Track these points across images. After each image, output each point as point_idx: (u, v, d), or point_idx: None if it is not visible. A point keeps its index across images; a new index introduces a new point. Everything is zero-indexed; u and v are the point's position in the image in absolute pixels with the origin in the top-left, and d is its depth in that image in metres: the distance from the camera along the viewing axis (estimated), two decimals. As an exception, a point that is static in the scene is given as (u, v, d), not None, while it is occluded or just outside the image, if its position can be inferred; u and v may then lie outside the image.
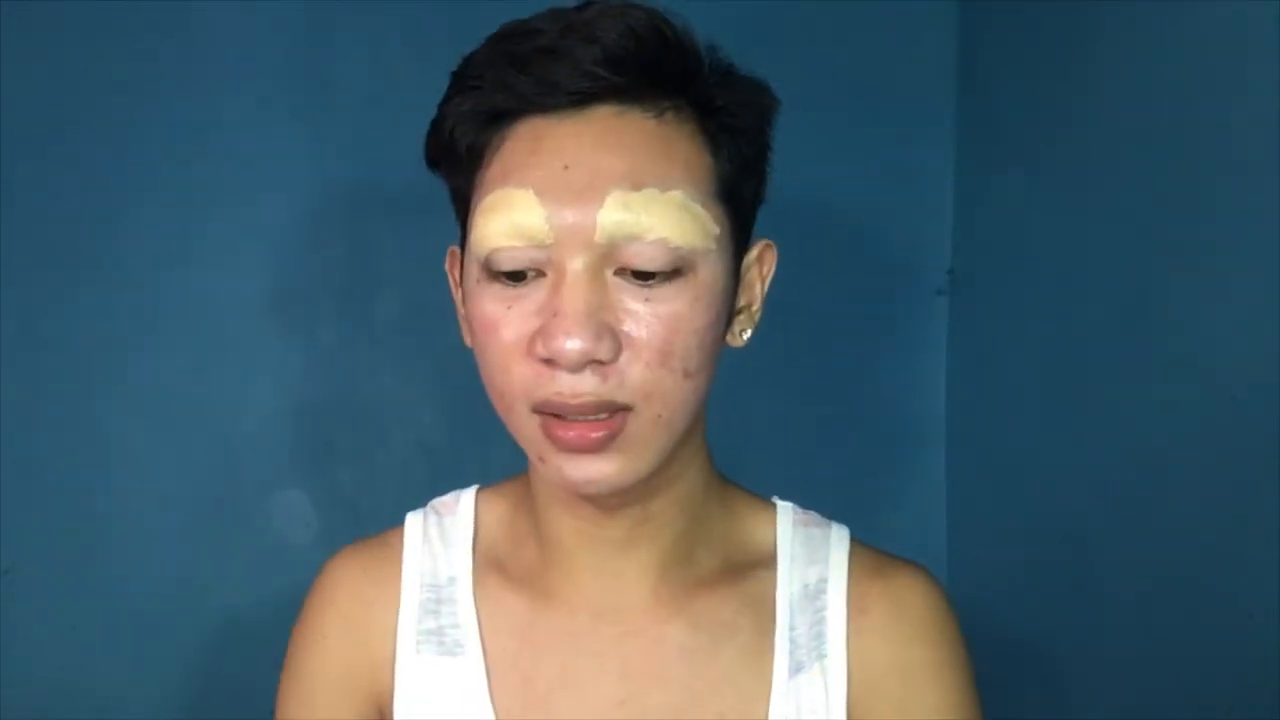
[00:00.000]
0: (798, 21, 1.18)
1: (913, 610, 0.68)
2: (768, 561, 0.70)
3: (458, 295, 0.67)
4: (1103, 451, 0.97)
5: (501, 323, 0.59)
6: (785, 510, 0.72)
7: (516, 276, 0.58)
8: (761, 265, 0.67)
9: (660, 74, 0.59)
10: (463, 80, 0.61)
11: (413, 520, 0.74)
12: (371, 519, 0.74)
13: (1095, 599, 0.98)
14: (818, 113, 1.08)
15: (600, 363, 0.57)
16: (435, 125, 0.62)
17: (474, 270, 0.60)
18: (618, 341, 0.57)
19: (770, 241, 0.67)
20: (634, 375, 0.57)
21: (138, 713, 1.06)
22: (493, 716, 0.66)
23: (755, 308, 0.67)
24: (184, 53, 1.06)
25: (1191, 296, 0.87)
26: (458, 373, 1.13)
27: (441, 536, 0.72)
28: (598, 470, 0.59)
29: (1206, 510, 0.85)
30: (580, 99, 0.58)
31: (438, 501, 0.76)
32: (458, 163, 0.61)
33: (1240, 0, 0.81)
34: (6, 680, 1.03)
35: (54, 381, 1.04)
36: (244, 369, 1.09)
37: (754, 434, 1.11)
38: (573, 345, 0.56)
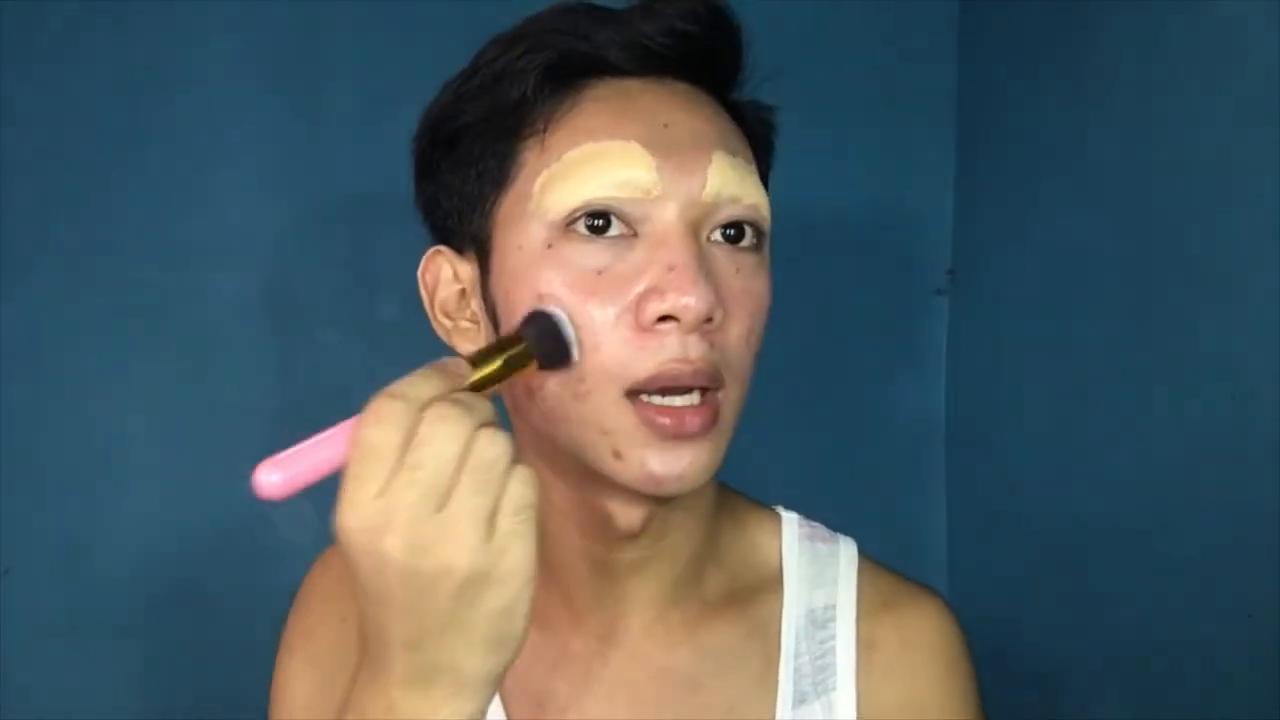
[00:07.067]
0: (797, 22, 1.18)
1: (924, 646, 0.65)
2: (774, 583, 0.67)
3: (438, 304, 0.64)
4: (1102, 451, 0.97)
5: (590, 293, 0.53)
6: (791, 523, 0.69)
7: (600, 230, 0.54)
8: None
9: (730, 53, 0.58)
10: (526, 37, 0.56)
11: None
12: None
13: (1095, 599, 0.98)
14: (818, 113, 1.08)
15: (708, 325, 0.53)
16: (479, 84, 0.57)
17: (537, 239, 0.54)
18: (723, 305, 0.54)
19: None
20: (730, 347, 0.55)
21: (137, 713, 1.05)
22: None
23: None
24: (183, 52, 1.06)
25: (1191, 296, 0.87)
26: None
27: None
28: (688, 462, 0.53)
29: (1207, 510, 0.85)
30: (664, 63, 0.56)
31: None
32: (513, 125, 0.56)
33: (1240, 0, 0.81)
34: (6, 680, 1.02)
35: (54, 382, 1.04)
36: (244, 369, 1.09)
37: (753, 434, 1.11)
38: (693, 299, 0.51)
